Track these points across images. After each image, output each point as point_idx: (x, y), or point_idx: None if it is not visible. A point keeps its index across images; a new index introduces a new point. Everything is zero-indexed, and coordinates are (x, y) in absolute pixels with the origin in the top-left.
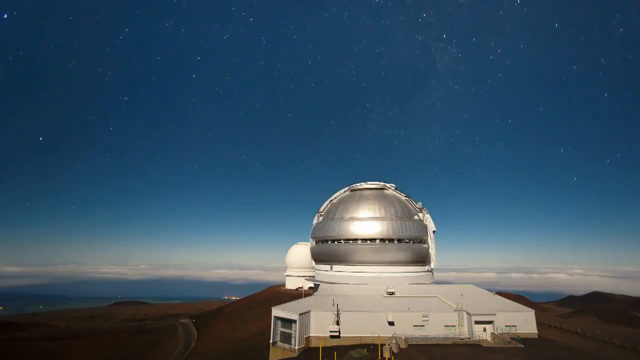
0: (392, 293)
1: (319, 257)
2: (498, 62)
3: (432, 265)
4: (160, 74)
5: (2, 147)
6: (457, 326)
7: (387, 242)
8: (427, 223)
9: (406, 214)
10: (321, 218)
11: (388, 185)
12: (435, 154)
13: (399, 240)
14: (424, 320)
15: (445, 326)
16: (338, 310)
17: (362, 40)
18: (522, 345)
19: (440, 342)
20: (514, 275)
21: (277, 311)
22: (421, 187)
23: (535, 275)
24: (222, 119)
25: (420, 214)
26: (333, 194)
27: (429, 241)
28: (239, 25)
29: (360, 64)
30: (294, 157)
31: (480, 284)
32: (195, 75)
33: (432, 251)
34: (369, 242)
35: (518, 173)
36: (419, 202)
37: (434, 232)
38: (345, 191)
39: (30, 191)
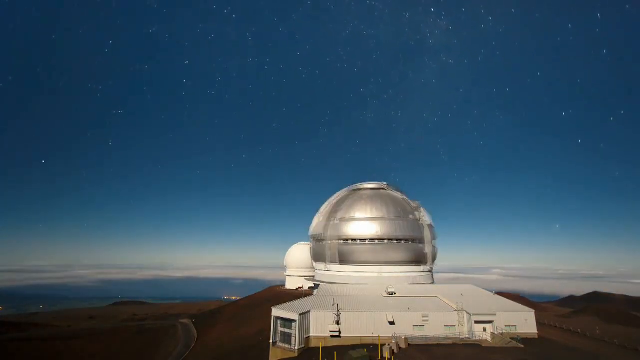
0: (392, 293)
1: (318, 257)
2: (491, 30)
3: (430, 264)
4: (150, 83)
5: (8, 154)
6: (457, 326)
7: (378, 242)
8: (423, 222)
9: (401, 214)
10: (321, 218)
11: (386, 184)
12: (436, 132)
13: (394, 240)
14: (424, 320)
15: (445, 326)
16: (338, 310)
17: (348, 24)
18: (522, 345)
19: (441, 342)
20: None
21: (277, 311)
22: (424, 166)
23: (536, 275)
24: (218, 121)
25: (417, 212)
26: (333, 191)
27: (426, 240)
28: (223, 24)
29: (350, 49)
30: (293, 152)
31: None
32: (186, 80)
33: (429, 251)
34: (361, 241)
35: (520, 141)
36: (416, 200)
37: (429, 225)
38: (344, 191)
39: (33, 193)
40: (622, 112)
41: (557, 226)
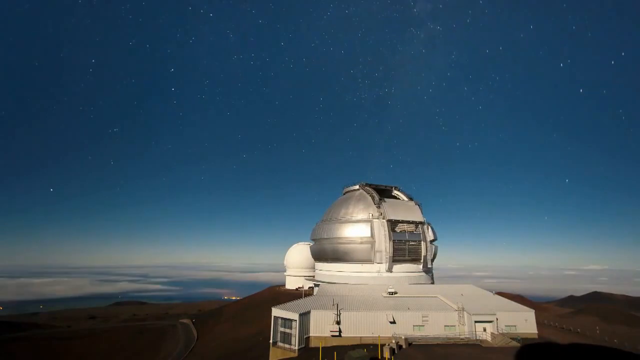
0: (392, 293)
1: (318, 257)
2: None
3: (429, 264)
4: (140, 96)
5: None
6: (457, 326)
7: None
8: (423, 222)
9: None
10: (320, 219)
11: (391, 186)
12: (432, 103)
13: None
14: (424, 320)
15: (445, 326)
16: (338, 310)
17: (328, 5)
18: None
19: (441, 342)
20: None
21: (277, 311)
22: (424, 140)
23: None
24: (213, 125)
25: (416, 213)
26: (335, 184)
27: (425, 240)
28: (202, 25)
29: (334, 31)
30: (292, 145)
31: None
32: (174, 88)
33: (429, 250)
34: (352, 242)
35: (519, 102)
36: (417, 201)
37: (429, 225)
38: (344, 192)
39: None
40: (623, 54)
41: (567, 180)
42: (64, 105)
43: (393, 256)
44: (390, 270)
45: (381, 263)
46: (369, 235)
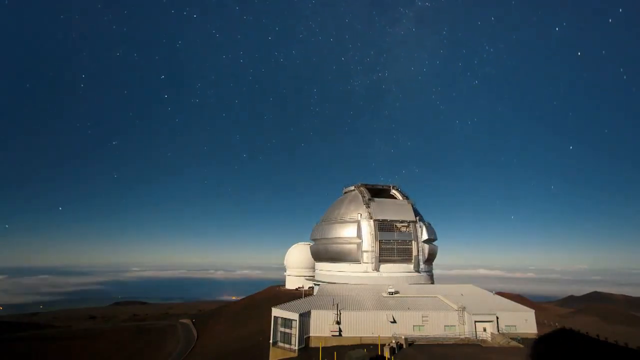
0: (392, 293)
1: (318, 257)
2: None
3: (429, 264)
4: (133, 107)
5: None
6: (457, 326)
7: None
8: (421, 222)
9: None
10: (319, 220)
11: (389, 185)
12: (428, 82)
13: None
14: (424, 320)
15: (445, 326)
16: (338, 310)
17: None
18: (522, 345)
19: (441, 342)
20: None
21: (277, 311)
22: (422, 120)
23: (534, 274)
24: (210, 128)
25: (414, 212)
26: (335, 180)
27: (424, 240)
28: (188, 28)
29: (320, 19)
30: (291, 140)
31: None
32: (167, 95)
33: (428, 250)
34: (350, 243)
35: (516, 73)
36: (412, 200)
37: (428, 225)
38: (344, 193)
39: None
40: (621, 10)
41: (570, 147)
42: (61, 124)
43: (380, 256)
44: (377, 269)
45: (368, 263)
46: (356, 235)
